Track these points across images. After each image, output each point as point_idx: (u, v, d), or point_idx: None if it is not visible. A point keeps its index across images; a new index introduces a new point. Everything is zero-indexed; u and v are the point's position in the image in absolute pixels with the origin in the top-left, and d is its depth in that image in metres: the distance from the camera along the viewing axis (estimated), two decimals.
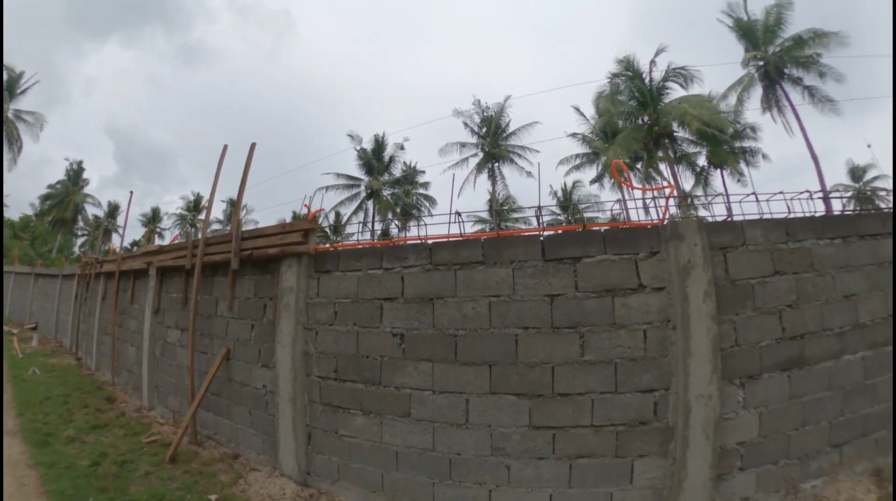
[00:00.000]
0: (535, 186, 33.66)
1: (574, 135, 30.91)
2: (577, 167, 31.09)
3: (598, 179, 30.75)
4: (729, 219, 4.16)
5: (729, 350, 3.67)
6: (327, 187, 32.66)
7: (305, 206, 5.57)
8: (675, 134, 24.34)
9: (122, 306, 9.01)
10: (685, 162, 25.88)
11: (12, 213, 45.29)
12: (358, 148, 33.78)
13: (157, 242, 38.27)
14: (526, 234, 4.32)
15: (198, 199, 46.88)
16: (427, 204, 34.73)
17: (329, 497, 4.39)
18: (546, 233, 4.07)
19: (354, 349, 4.28)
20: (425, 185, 35.51)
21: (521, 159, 31.52)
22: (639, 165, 26.38)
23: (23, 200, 60.91)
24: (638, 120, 24.46)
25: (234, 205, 6.19)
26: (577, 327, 3.71)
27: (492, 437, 3.87)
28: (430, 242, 4.25)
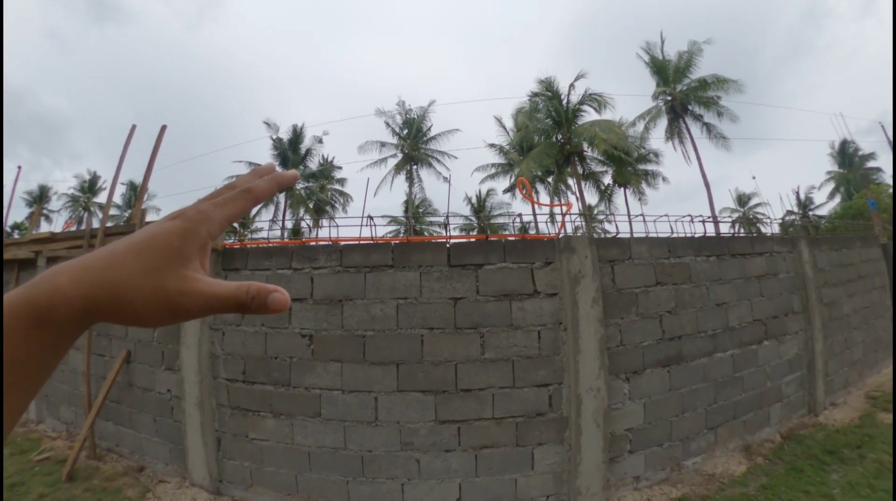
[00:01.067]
0: (451, 191, 34.36)
1: (492, 145, 31.84)
2: (492, 176, 31.91)
3: (510, 189, 32.01)
4: (618, 236, 4.61)
5: (615, 349, 4.07)
6: (236, 177, 30.97)
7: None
8: (584, 153, 26.19)
9: None
10: (592, 180, 27.71)
11: None
12: (274, 137, 32.31)
13: (45, 226, 34.73)
14: (434, 240, 4.48)
15: (94, 179, 40.66)
16: (342, 200, 33.83)
17: None
18: (453, 240, 4.28)
19: (263, 350, 4.24)
20: (342, 181, 34.59)
21: (439, 164, 31.78)
22: (549, 179, 28.04)
23: None
24: (552, 137, 25.90)
25: (138, 191, 5.85)
26: (478, 327, 3.93)
27: (401, 433, 4.01)
28: (341, 243, 4.28)
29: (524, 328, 3.92)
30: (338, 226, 4.41)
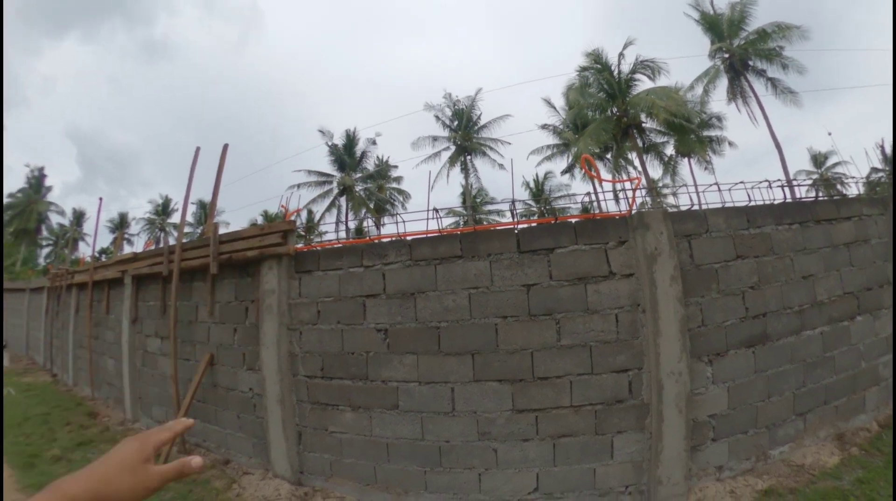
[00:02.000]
0: (507, 178, 34.10)
1: (545, 126, 31.31)
2: (548, 158, 31.48)
3: (568, 170, 31.30)
4: (693, 208, 4.39)
5: (696, 330, 3.90)
6: (299, 185, 32.25)
7: (283, 207, 5.60)
8: (643, 125, 24.89)
9: (97, 318, 8.87)
10: (653, 152, 26.42)
11: None
12: (329, 143, 33.35)
13: (128, 248, 37.18)
14: (501, 228, 4.46)
15: (166, 202, 45.31)
16: (401, 198, 34.53)
17: (324, 493, 4.47)
18: (520, 226, 4.23)
19: (339, 347, 4.37)
20: (398, 179, 35.34)
21: (492, 152, 31.79)
22: (608, 156, 26.98)
23: None
24: (607, 111, 24.81)
25: (208, 208, 6.16)
26: (552, 313, 3.88)
27: (478, 423, 4.02)
28: (409, 238, 4.35)
29: (601, 311, 3.84)
30: (403, 222, 4.47)
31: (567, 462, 3.91)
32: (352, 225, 28.77)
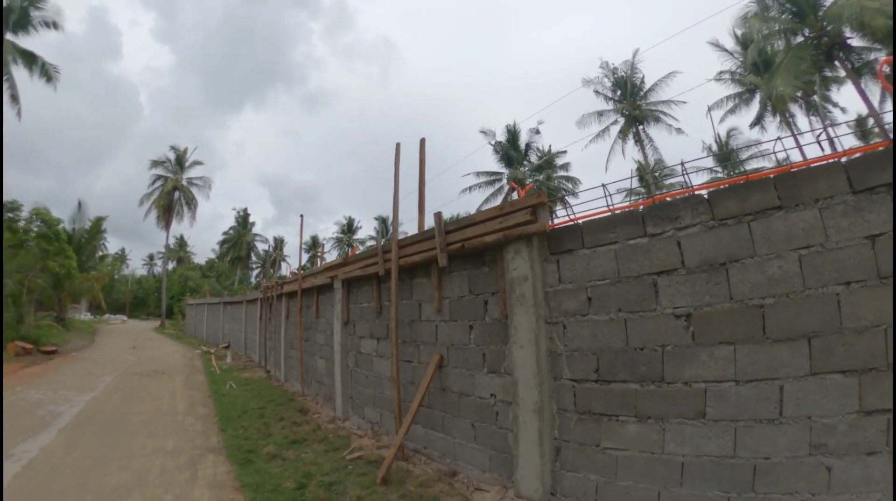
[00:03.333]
0: (688, 143, 30.19)
1: (721, 75, 27.06)
2: (731, 111, 27.23)
3: (758, 121, 26.61)
4: None
5: None
6: (470, 188, 32.55)
7: (513, 185, 4.93)
8: (848, 41, 19.71)
9: (307, 322, 9.35)
10: (869, 72, 20.41)
11: (199, 259, 60.94)
12: (493, 142, 32.75)
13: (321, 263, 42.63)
14: (827, 162, 3.18)
15: (350, 222, 53.54)
16: (569, 186, 32.05)
17: None
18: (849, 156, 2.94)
19: (623, 341, 3.47)
20: (565, 166, 33.01)
21: (666, 117, 28.32)
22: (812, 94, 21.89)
23: (206, 247, 75.24)
24: (797, 36, 20.29)
25: (418, 200, 5.80)
26: None
27: (811, 431, 2.87)
28: (702, 192, 3.30)
29: None
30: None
31: None
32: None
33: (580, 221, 3.83)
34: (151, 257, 73.33)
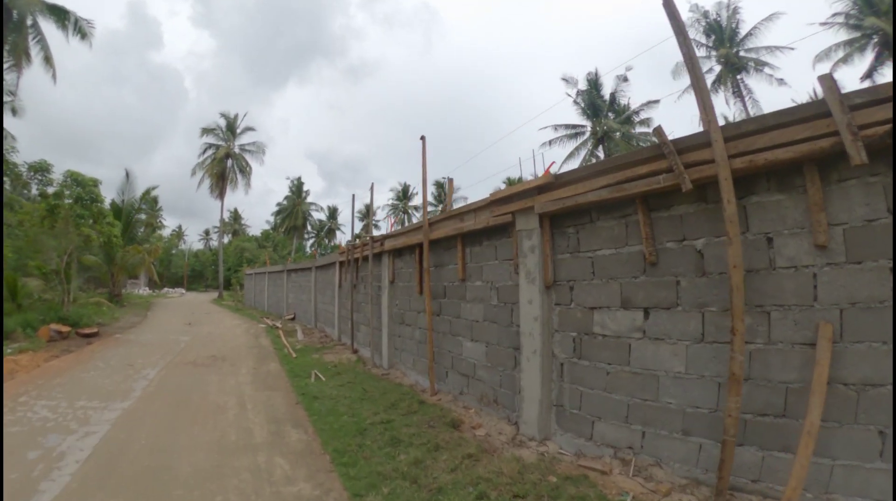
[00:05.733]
0: (792, 96, 25.62)
1: (835, 18, 22.31)
2: (843, 61, 22.72)
3: (869, 74, 21.80)
4: None
5: None
6: (550, 141, 29.65)
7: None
8: None
9: (437, 289, 6.52)
10: None
11: (253, 231, 60.81)
12: (574, 91, 29.24)
13: (376, 232, 41.00)
14: None
15: (405, 188, 51.42)
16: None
17: None
18: None
19: None
20: (646, 121, 28.88)
21: (767, 67, 24.09)
22: None
23: (259, 222, 76.09)
24: None
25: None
26: None
27: None
28: None
29: None
30: None
31: None
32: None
33: None
34: (207, 232, 73.50)
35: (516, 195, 4.72)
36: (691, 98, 3.62)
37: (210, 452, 4.36)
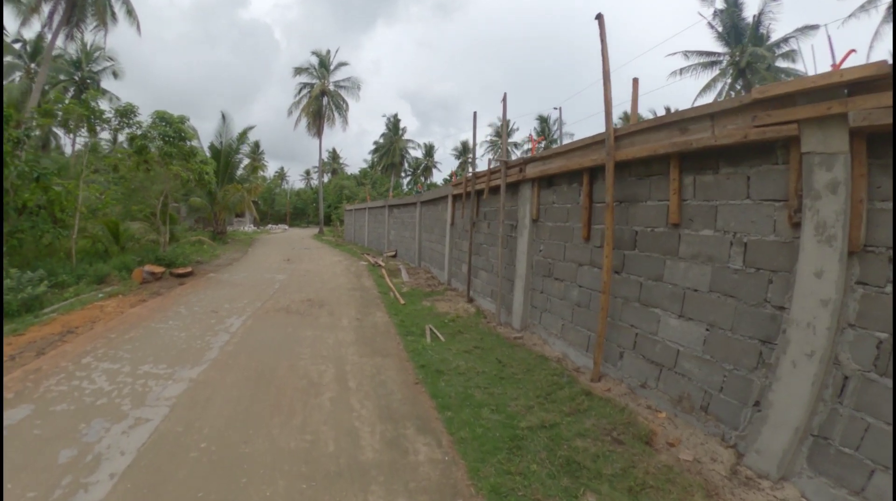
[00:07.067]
0: None
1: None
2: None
3: None
4: None
5: None
6: (681, 70, 25.49)
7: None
8: None
9: (625, 234, 4.57)
10: None
11: (352, 170, 61.58)
12: (712, 10, 24.34)
13: (471, 171, 39.48)
14: None
15: (506, 123, 47.49)
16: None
17: None
18: None
19: None
20: (789, 55, 23.11)
21: None
22: None
23: (355, 162, 77.45)
24: None
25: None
26: None
27: None
28: None
29: None
30: None
31: None
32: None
33: None
34: (308, 172, 75.76)
35: (808, 93, 2.59)
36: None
37: (294, 478, 2.91)
